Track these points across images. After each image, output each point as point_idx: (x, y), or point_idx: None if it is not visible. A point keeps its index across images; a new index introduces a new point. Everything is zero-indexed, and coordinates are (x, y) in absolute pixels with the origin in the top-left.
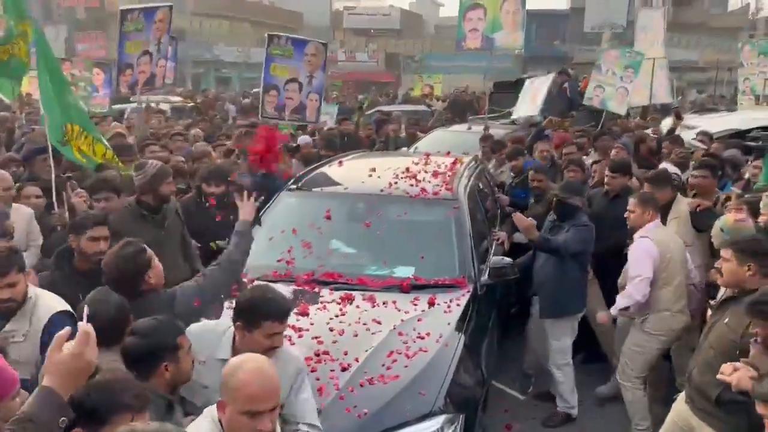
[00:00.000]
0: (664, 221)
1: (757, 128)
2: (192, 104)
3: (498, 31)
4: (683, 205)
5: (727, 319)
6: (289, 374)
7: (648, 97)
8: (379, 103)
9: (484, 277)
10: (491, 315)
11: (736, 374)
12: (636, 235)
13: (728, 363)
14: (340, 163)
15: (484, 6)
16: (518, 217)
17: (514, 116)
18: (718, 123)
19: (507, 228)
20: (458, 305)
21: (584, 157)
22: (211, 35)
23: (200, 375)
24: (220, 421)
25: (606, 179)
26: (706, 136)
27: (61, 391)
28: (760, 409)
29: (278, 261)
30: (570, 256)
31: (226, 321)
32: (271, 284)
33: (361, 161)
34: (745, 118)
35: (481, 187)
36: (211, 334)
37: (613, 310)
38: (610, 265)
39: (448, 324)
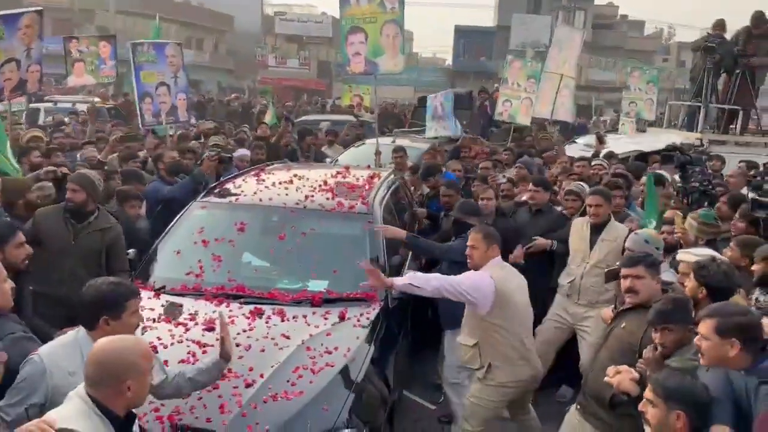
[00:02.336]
0: (594, 241)
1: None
2: (111, 105)
3: (380, 55)
4: (618, 230)
5: (624, 325)
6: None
7: (550, 112)
8: (308, 112)
9: (395, 291)
10: (402, 327)
11: (618, 376)
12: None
13: (612, 366)
14: (257, 173)
15: (365, 30)
16: (383, 228)
17: (426, 135)
18: (622, 145)
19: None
20: (368, 319)
21: (502, 174)
22: (136, 35)
23: (75, 384)
24: (92, 398)
25: (530, 194)
26: (612, 159)
27: None
28: (641, 406)
29: (187, 274)
30: (456, 266)
31: (65, 335)
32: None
33: (279, 173)
34: (648, 140)
35: (399, 200)
36: (64, 347)
37: (398, 280)
38: (529, 275)
39: (357, 338)
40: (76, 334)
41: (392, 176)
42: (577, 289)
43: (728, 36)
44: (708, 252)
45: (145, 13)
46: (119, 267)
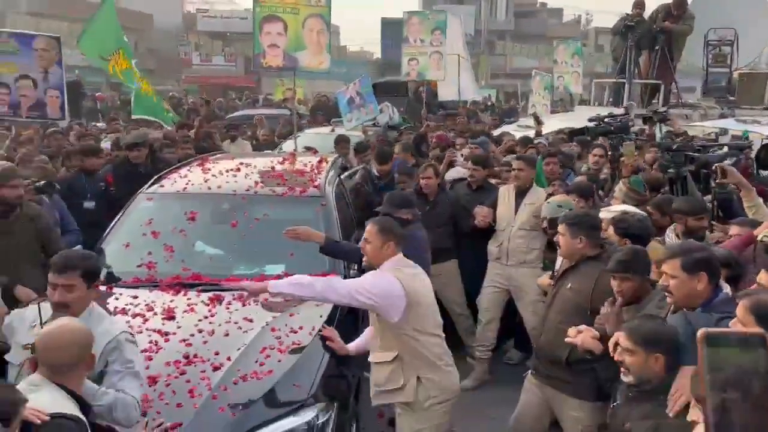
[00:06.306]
0: (518, 205)
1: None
2: None
3: (301, 50)
4: (540, 194)
5: (569, 285)
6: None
7: (457, 92)
8: (238, 107)
9: (354, 270)
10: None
11: (580, 336)
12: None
13: (573, 327)
14: (201, 163)
15: (284, 20)
16: (294, 230)
17: (346, 128)
18: (554, 123)
19: None
20: None
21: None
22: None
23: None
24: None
25: (470, 172)
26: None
27: None
28: (617, 356)
29: (138, 266)
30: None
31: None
32: None
33: (224, 162)
34: (578, 117)
35: (354, 183)
36: (18, 319)
37: (277, 284)
38: (472, 251)
39: (320, 317)
40: (33, 307)
41: (340, 160)
42: (506, 251)
43: (647, 14)
44: (621, 208)
45: (59, 14)
46: (57, 249)
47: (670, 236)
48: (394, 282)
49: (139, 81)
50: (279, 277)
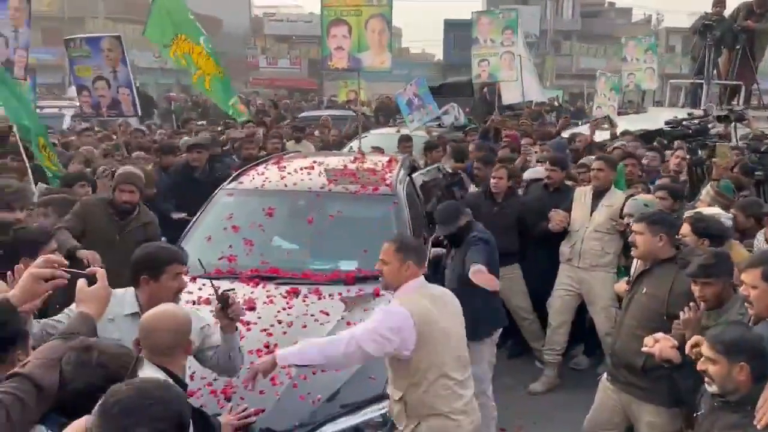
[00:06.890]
0: (595, 206)
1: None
2: None
3: (364, 51)
4: (618, 196)
5: (644, 290)
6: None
7: (521, 94)
8: (303, 108)
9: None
10: None
11: (657, 345)
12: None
13: (650, 336)
14: (277, 161)
15: (348, 23)
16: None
17: (411, 130)
18: (626, 124)
19: None
20: None
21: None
22: (125, 40)
23: (111, 331)
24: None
25: (547, 173)
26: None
27: (94, 316)
28: (700, 365)
29: (220, 258)
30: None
31: (120, 288)
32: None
33: (298, 160)
34: (652, 118)
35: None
36: (113, 296)
37: (281, 359)
38: (540, 254)
39: None
40: (126, 289)
41: (408, 161)
42: (578, 252)
43: (727, 12)
44: (710, 210)
45: (134, 19)
46: None
47: (760, 240)
48: (404, 314)
49: (198, 62)
50: (353, 272)
